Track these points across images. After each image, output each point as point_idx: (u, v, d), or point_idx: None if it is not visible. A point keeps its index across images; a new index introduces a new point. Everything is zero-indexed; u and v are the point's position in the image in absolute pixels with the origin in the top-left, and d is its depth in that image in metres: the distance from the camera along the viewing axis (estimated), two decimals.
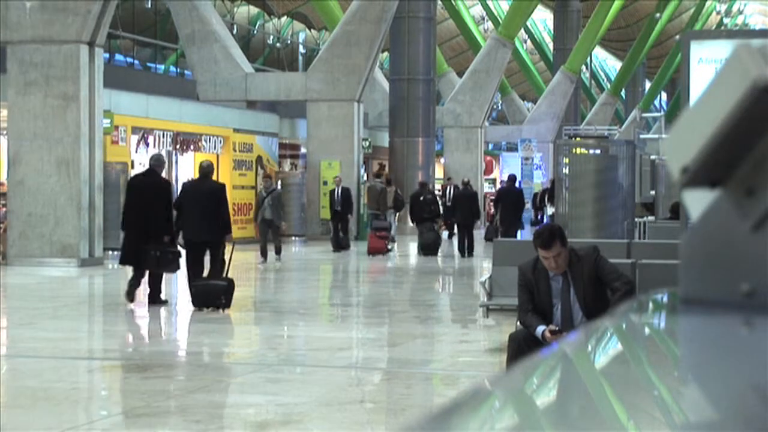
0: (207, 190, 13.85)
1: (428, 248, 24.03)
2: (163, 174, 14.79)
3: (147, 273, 13.81)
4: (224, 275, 13.52)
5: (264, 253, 21.63)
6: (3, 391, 8.39)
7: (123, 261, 14.08)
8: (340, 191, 26.08)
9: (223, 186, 14.34)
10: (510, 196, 24.51)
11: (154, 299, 13.79)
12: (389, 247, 24.61)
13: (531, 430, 1.22)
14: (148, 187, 13.82)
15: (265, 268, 20.94)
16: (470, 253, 24.16)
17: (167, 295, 14.57)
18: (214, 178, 16.20)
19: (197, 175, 14.91)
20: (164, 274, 14.07)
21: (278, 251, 22.28)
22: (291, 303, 15.61)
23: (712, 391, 1.29)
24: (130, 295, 13.71)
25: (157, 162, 14.39)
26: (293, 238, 28.81)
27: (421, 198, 25.02)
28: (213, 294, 13.21)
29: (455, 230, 27.31)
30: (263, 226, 22.03)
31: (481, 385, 1.32)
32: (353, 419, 7.41)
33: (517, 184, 26.26)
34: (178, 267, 13.79)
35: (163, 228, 13.62)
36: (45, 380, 8.81)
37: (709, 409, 1.25)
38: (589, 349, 1.67)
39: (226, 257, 13.62)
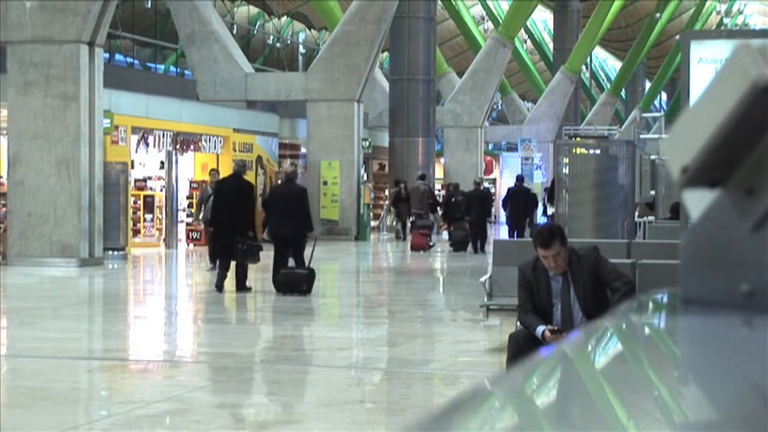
0: (292, 192, 15.82)
1: (459, 245, 25.64)
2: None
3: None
4: (306, 266, 15.36)
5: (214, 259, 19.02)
6: (3, 391, 8.39)
7: (212, 255, 16.13)
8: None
9: (304, 189, 16.46)
10: (519, 196, 26.08)
11: (241, 287, 15.55)
12: (431, 243, 26.57)
13: (531, 430, 1.22)
14: (234, 189, 15.60)
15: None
16: (482, 250, 24.84)
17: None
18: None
19: (284, 180, 16.97)
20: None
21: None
22: (291, 303, 15.61)
23: (712, 391, 1.29)
24: (220, 286, 15.49)
25: (240, 167, 16.50)
26: None
27: (453, 199, 26.73)
28: (296, 282, 15.12)
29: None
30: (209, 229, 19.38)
31: (481, 385, 1.32)
32: (353, 419, 7.41)
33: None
34: (259, 258, 15.57)
35: (248, 224, 15.43)
36: (45, 380, 8.81)
37: (709, 409, 1.25)
38: (589, 349, 1.67)
39: (307, 250, 15.45)
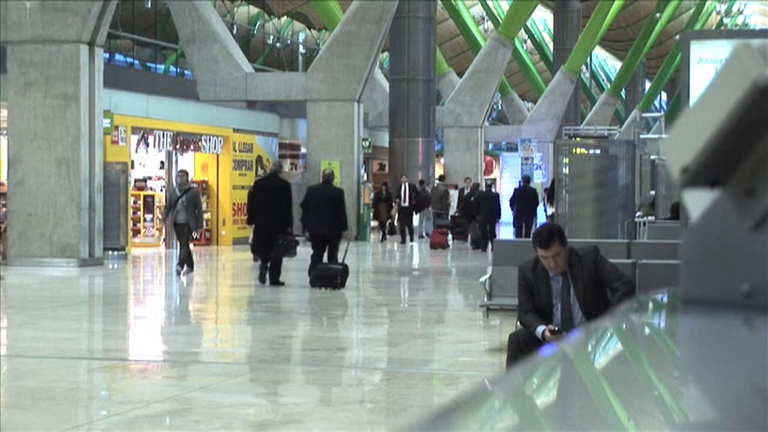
0: (329, 193, 16.72)
1: (478, 243, 26.67)
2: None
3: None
4: (340, 262, 16.27)
5: (189, 261, 18.69)
6: (3, 391, 8.39)
7: (254, 250, 16.96)
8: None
9: (342, 191, 17.15)
10: (525, 196, 27.01)
11: (275, 281, 16.42)
12: (449, 242, 27.99)
13: (531, 430, 1.22)
14: (273, 188, 16.53)
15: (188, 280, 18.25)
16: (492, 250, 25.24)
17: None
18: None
19: (321, 180, 17.83)
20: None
21: (185, 262, 18.56)
22: (291, 303, 15.61)
23: (712, 391, 1.29)
24: (263, 278, 16.50)
25: (278, 168, 17.79)
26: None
27: (472, 199, 27.98)
28: (331, 276, 15.94)
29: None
30: (177, 231, 18.85)
31: (481, 385, 1.32)
32: (353, 419, 7.41)
33: (518, 185, 28.15)
34: (296, 253, 16.64)
35: (286, 221, 16.41)
36: (45, 380, 8.81)
37: (709, 409, 1.25)
38: (589, 349, 1.67)
39: (341, 247, 16.49)
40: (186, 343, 11.99)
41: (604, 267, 7.23)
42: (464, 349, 10.85)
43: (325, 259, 16.57)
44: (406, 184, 30.86)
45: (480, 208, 26.93)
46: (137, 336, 12.37)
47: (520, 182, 30.19)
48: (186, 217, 18.44)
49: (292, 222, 16.62)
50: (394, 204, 31.45)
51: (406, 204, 30.39)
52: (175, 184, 25.46)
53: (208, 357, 10.63)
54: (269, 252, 16.38)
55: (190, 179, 19.92)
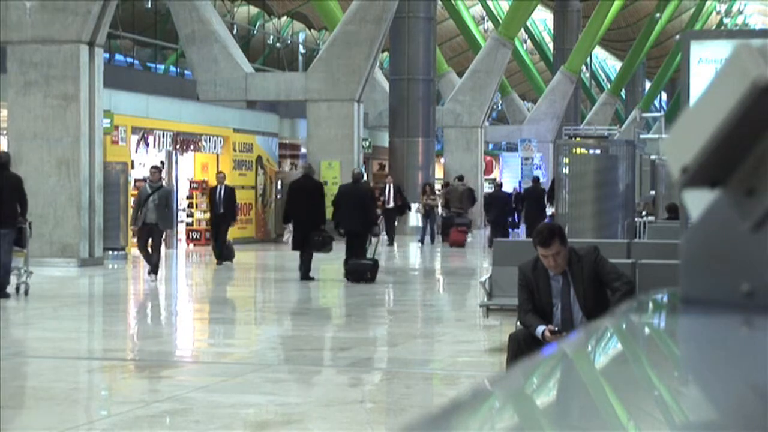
0: (359, 192, 17.91)
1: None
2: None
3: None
4: (370, 257, 17.50)
5: (154, 266, 17.58)
6: (3, 391, 8.39)
7: (294, 247, 17.64)
8: (222, 190, 21.57)
9: (371, 190, 18.36)
10: (534, 195, 27.37)
11: (305, 276, 17.37)
12: (468, 240, 28.97)
13: (531, 430, 1.22)
14: (308, 188, 17.53)
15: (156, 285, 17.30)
16: None
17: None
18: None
19: (351, 181, 18.69)
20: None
21: (155, 268, 17.45)
22: (292, 303, 15.62)
23: (712, 391, 1.29)
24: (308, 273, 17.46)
25: (309, 169, 18.75)
26: None
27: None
28: (363, 270, 17.12)
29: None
30: (143, 233, 17.71)
31: (481, 385, 1.32)
32: (353, 419, 7.41)
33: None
34: (331, 248, 17.48)
35: (321, 219, 17.41)
36: (45, 380, 8.81)
37: (709, 409, 1.25)
38: (589, 349, 1.67)
39: (372, 243, 17.80)
40: (186, 343, 12.00)
41: (604, 267, 7.23)
42: (464, 349, 10.85)
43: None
44: (391, 185, 29.93)
45: (490, 207, 27.64)
46: (137, 336, 12.36)
47: (520, 183, 30.62)
48: (156, 218, 17.41)
49: (326, 220, 17.62)
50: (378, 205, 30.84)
51: (391, 205, 29.38)
52: (175, 183, 25.54)
53: (208, 357, 10.63)
54: (307, 249, 17.34)
55: (163, 176, 18.92)
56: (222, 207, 21.09)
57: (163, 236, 18.20)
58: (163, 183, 19.07)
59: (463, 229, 28.58)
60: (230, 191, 21.47)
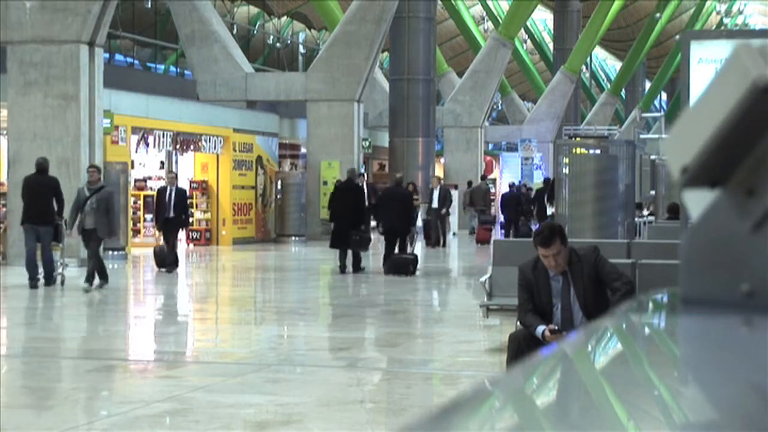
0: (399, 194, 20.06)
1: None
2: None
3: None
4: (410, 252, 19.72)
5: (101, 273, 16.02)
6: (3, 391, 8.39)
7: (333, 244, 19.11)
8: (173, 192, 19.74)
9: (411, 193, 20.45)
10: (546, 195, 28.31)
11: (357, 268, 19.01)
12: (493, 237, 30.28)
13: (531, 430, 1.22)
14: (349, 190, 19.26)
15: (98, 297, 15.43)
16: None
17: None
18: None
19: (393, 184, 21.01)
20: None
21: (93, 275, 15.85)
22: (292, 303, 15.62)
23: (712, 391, 1.29)
24: (343, 269, 18.94)
25: (353, 174, 20.49)
26: (293, 238, 28.81)
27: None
28: (404, 265, 18.71)
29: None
30: (84, 239, 16.20)
31: (481, 385, 1.32)
32: (353, 419, 7.41)
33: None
34: (368, 247, 19.30)
35: (360, 219, 19.02)
36: (45, 380, 8.81)
37: (709, 409, 1.25)
38: (589, 349, 1.67)
39: (408, 241, 19.90)
40: (186, 343, 11.99)
41: (604, 267, 7.23)
42: (464, 349, 10.85)
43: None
44: (438, 189, 29.42)
45: (503, 207, 28.99)
46: (137, 336, 12.36)
47: (520, 181, 31.11)
48: (94, 223, 15.84)
49: (365, 220, 19.25)
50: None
51: (435, 206, 29.28)
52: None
53: (208, 357, 10.63)
54: (346, 246, 18.86)
55: (101, 177, 16.92)
56: (172, 211, 19.35)
57: (101, 244, 16.39)
58: (104, 184, 16.85)
59: (487, 227, 29.54)
60: (182, 193, 19.95)
